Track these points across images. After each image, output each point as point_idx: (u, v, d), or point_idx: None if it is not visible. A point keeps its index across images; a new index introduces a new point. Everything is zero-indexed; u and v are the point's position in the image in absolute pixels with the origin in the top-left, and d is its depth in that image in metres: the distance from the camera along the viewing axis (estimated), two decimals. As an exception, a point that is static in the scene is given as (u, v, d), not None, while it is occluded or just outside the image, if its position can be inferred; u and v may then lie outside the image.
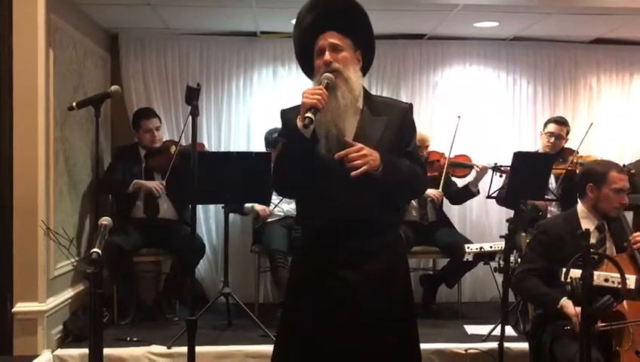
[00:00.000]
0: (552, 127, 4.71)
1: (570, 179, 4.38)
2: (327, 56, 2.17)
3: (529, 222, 4.46)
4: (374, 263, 2.19)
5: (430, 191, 4.59)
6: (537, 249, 3.01)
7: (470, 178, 4.76)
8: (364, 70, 2.30)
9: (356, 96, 2.18)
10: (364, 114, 2.20)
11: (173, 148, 4.44)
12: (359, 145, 2.10)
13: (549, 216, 4.55)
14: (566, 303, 2.75)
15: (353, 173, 2.07)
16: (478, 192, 4.74)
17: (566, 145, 4.77)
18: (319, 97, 2.05)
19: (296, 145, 2.13)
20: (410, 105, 2.31)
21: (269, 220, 4.67)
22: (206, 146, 5.05)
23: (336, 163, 2.10)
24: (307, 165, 2.13)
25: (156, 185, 4.38)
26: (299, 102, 2.13)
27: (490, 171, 4.62)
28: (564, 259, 2.44)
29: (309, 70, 2.31)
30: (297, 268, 2.36)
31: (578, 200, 3.11)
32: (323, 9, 2.23)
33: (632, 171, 4.30)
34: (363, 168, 2.07)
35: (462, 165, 4.75)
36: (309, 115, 2.03)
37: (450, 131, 4.81)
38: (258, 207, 4.62)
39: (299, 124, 2.08)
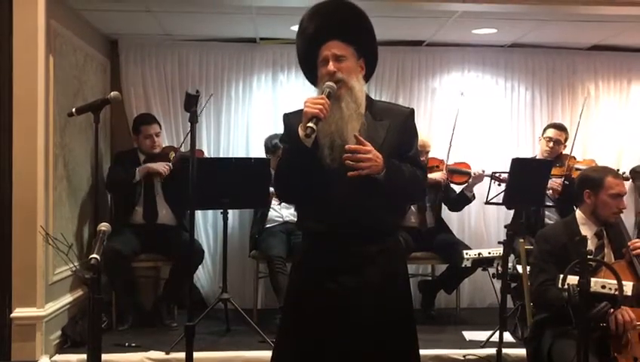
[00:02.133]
0: (551, 132, 4.74)
1: (568, 184, 4.40)
2: (331, 66, 2.18)
3: (526, 228, 4.48)
4: (374, 268, 2.19)
5: (436, 175, 4.60)
6: (545, 258, 2.97)
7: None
8: (367, 76, 2.31)
9: (360, 105, 2.19)
10: (367, 119, 2.21)
11: (172, 154, 4.45)
12: (369, 146, 2.10)
13: (547, 221, 4.56)
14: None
15: (350, 173, 2.08)
16: (474, 197, 4.75)
17: (564, 152, 4.79)
18: (321, 107, 2.06)
19: (298, 152, 2.14)
20: (412, 110, 2.32)
21: (268, 225, 4.68)
22: (205, 152, 5.06)
23: (338, 170, 2.11)
24: (308, 172, 2.14)
25: (163, 166, 4.36)
26: (301, 107, 2.14)
27: (486, 178, 4.63)
28: (567, 265, 2.44)
29: (312, 78, 2.32)
30: (297, 273, 2.36)
31: (575, 207, 3.12)
32: (325, 17, 2.24)
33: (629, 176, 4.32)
34: (364, 172, 2.09)
35: (461, 172, 4.76)
36: (310, 124, 2.04)
37: (447, 137, 4.82)
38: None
39: (300, 133, 2.09)
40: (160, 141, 4.61)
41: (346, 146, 2.10)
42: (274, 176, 2.35)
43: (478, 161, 4.98)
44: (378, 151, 2.14)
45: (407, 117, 2.29)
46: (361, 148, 2.09)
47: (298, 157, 2.15)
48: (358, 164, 2.09)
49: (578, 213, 3.06)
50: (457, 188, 4.90)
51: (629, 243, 2.90)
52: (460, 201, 4.83)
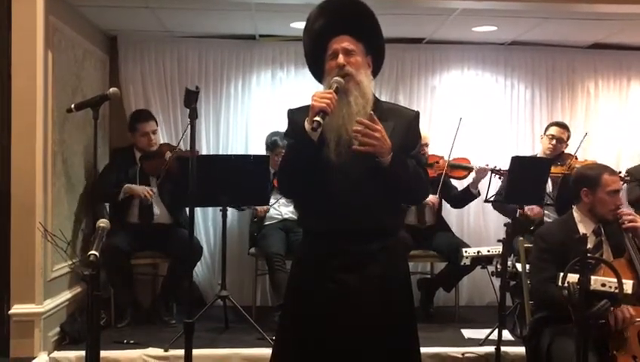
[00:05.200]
0: (554, 130, 4.73)
1: (567, 183, 4.39)
2: (341, 59, 2.18)
3: (526, 227, 4.47)
4: (375, 267, 2.19)
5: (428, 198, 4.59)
6: (544, 256, 2.98)
7: (469, 180, 4.76)
8: (373, 74, 2.31)
9: (367, 101, 2.19)
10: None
11: (168, 154, 4.41)
12: (380, 126, 2.09)
13: (546, 220, 4.56)
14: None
15: (355, 148, 2.09)
16: (479, 193, 4.74)
17: (565, 151, 4.78)
18: (329, 101, 2.06)
19: (303, 146, 2.14)
20: (417, 113, 2.33)
21: (267, 223, 4.67)
22: (204, 149, 5.05)
23: (342, 167, 2.12)
24: (312, 167, 2.14)
25: (146, 191, 4.31)
26: (306, 103, 2.14)
27: (488, 173, 4.62)
28: (567, 263, 2.44)
29: (317, 72, 2.31)
30: (298, 271, 2.35)
31: (573, 205, 3.12)
32: (336, 13, 2.25)
33: (627, 178, 4.31)
34: (369, 149, 2.08)
35: (460, 167, 4.75)
36: (317, 118, 2.04)
37: (447, 135, 4.82)
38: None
39: (307, 126, 2.09)
40: (157, 139, 4.55)
41: (357, 119, 2.09)
42: (277, 170, 2.35)
43: (478, 159, 4.97)
44: None
45: (412, 120, 2.29)
46: (372, 125, 2.08)
47: (303, 151, 2.14)
48: (363, 139, 2.07)
49: (575, 211, 3.06)
50: (457, 184, 4.89)
51: (618, 212, 2.91)
52: (465, 198, 4.81)
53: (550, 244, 2.97)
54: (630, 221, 2.90)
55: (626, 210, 2.94)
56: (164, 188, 4.45)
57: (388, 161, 2.12)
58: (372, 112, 2.11)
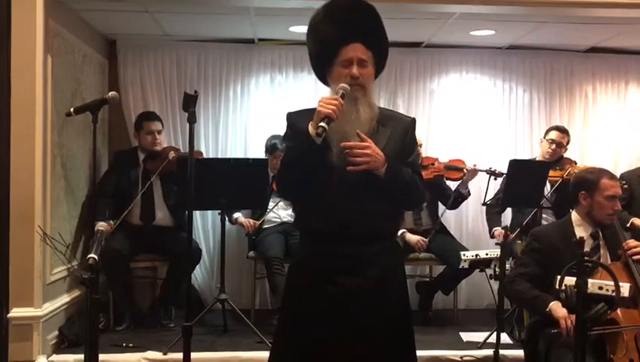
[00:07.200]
0: (554, 135, 4.74)
1: (565, 187, 4.40)
2: (356, 70, 2.18)
3: (524, 230, 4.48)
4: (372, 270, 2.20)
5: (413, 238, 4.58)
6: (531, 255, 3.02)
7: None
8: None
9: (375, 113, 2.22)
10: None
11: (172, 154, 4.42)
12: (368, 143, 2.12)
13: (543, 222, 4.57)
14: (555, 306, 2.75)
15: (349, 168, 2.10)
16: (469, 193, 4.74)
17: (565, 156, 4.79)
18: (334, 108, 2.07)
19: (305, 150, 2.15)
20: (414, 120, 2.35)
21: (266, 226, 4.68)
22: (204, 153, 5.05)
23: (341, 171, 2.13)
24: (313, 171, 2.15)
25: (106, 227, 4.18)
26: (305, 107, 2.16)
27: (484, 174, 4.60)
28: (559, 266, 2.45)
29: (321, 73, 2.30)
30: (295, 274, 2.36)
31: (571, 208, 3.13)
32: (350, 20, 2.22)
33: (625, 186, 4.31)
34: (362, 167, 2.11)
35: (456, 168, 4.75)
36: (322, 124, 2.05)
37: (446, 138, 4.81)
38: (242, 219, 4.60)
39: (311, 131, 2.10)
40: (161, 139, 4.55)
41: (342, 144, 2.11)
42: (277, 172, 2.36)
43: (475, 163, 4.98)
44: None
45: (408, 126, 2.31)
46: (359, 145, 2.10)
47: (305, 155, 2.15)
48: (355, 159, 2.10)
49: (574, 215, 3.07)
50: (453, 185, 4.89)
51: (623, 244, 2.91)
52: (456, 198, 4.81)
53: (542, 245, 2.98)
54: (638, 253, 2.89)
55: (633, 242, 2.92)
56: (168, 190, 4.45)
57: (383, 172, 2.15)
58: (358, 131, 2.13)
